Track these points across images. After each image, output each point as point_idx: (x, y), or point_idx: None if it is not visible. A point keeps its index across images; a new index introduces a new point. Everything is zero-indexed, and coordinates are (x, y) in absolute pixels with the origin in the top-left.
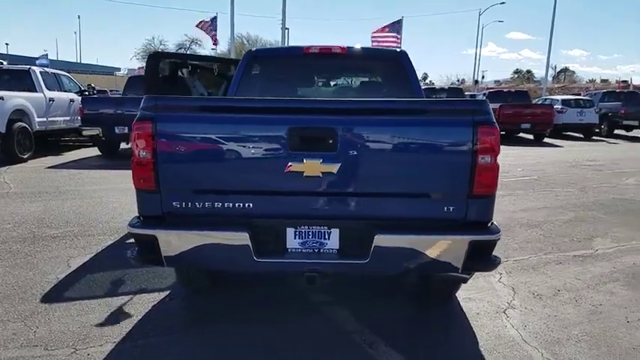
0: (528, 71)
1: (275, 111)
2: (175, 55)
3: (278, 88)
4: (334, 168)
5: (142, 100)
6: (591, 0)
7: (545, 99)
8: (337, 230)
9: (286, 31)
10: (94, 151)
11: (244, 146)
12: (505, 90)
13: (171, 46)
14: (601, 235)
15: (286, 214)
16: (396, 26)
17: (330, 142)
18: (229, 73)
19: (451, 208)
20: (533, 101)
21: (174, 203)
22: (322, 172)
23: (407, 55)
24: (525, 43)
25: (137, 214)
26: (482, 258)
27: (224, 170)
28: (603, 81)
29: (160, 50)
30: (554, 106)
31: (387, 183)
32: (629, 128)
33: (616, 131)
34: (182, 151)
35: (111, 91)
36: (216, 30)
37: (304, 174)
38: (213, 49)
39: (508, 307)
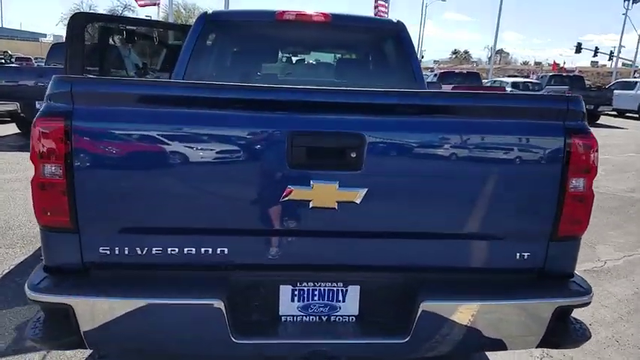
0: (466, 52)
1: (270, 106)
2: (106, 18)
3: (241, 66)
4: (358, 195)
5: (50, 84)
6: None
7: (494, 81)
8: (357, 288)
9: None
10: (11, 129)
11: (219, 160)
12: (456, 71)
13: (101, 12)
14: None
15: (281, 264)
16: None
17: (353, 155)
18: (171, 42)
19: (525, 255)
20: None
21: (101, 249)
22: (339, 202)
23: (406, 27)
24: (462, 24)
25: (43, 265)
26: (566, 329)
27: (184, 196)
28: (537, 64)
29: (92, 12)
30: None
31: (436, 218)
32: None
33: None
34: (116, 166)
35: (36, 59)
36: None
37: (311, 204)
38: (148, 16)
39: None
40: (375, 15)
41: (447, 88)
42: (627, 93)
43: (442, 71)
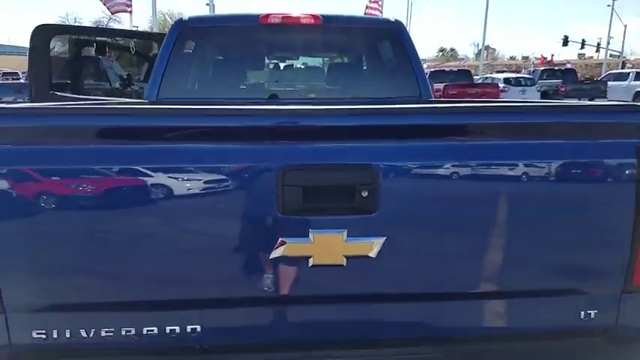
0: (452, 49)
1: (251, 134)
2: (73, 30)
3: (223, 76)
4: (373, 247)
5: None
6: None
7: (486, 77)
8: None
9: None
10: None
11: (185, 208)
12: (447, 69)
13: (87, 23)
14: None
15: (272, 344)
16: None
17: (365, 194)
18: (152, 53)
19: (592, 313)
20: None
21: (35, 332)
22: (348, 257)
23: (405, 27)
24: (447, 20)
25: None
26: None
27: (141, 258)
28: (524, 58)
29: (57, 24)
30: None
31: (477, 272)
32: None
33: None
34: (45, 221)
35: (23, 73)
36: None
37: (312, 261)
38: (135, 26)
39: None
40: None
41: (438, 87)
42: (620, 84)
43: (432, 70)
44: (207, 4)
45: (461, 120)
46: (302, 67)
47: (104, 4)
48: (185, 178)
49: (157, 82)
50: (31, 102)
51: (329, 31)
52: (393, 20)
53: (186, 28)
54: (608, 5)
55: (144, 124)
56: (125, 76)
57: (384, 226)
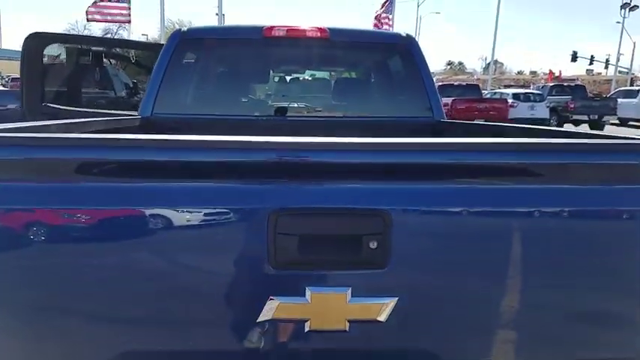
0: (460, 63)
1: (235, 170)
2: (68, 38)
3: (223, 91)
4: (383, 309)
5: None
6: None
7: (495, 92)
8: None
9: (222, 17)
10: None
11: (155, 259)
12: (455, 83)
13: (96, 31)
14: None
15: None
16: (388, 4)
17: (373, 246)
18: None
19: None
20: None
21: None
22: (353, 321)
23: (417, 43)
24: (456, 35)
25: None
26: None
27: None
28: (532, 73)
29: (51, 32)
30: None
31: (508, 340)
32: (577, 123)
33: (565, 126)
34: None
35: None
36: (128, 1)
37: (308, 325)
38: (144, 34)
39: None
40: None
41: (446, 101)
42: (630, 101)
43: (440, 84)
44: (217, 14)
45: (495, 159)
46: (307, 83)
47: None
48: (156, 224)
49: (152, 97)
50: (23, 114)
51: (336, 45)
52: (405, 35)
53: (184, 40)
54: (618, 22)
55: (87, 156)
56: (131, 85)
57: (396, 284)
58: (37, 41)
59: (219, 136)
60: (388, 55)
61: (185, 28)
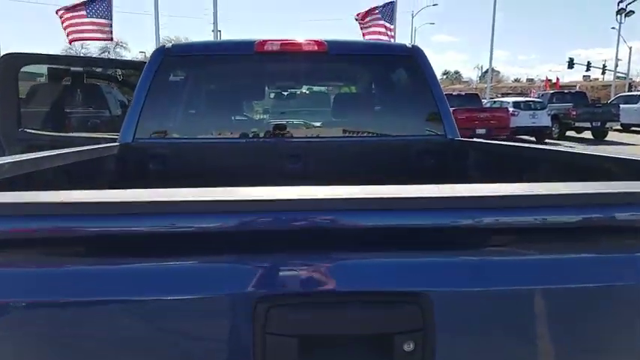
0: (456, 72)
1: (200, 241)
2: (45, 59)
3: (212, 114)
4: None
5: None
6: (508, 2)
7: (495, 101)
8: None
9: (218, 33)
10: None
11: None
12: (454, 93)
13: (94, 50)
14: None
15: None
16: (387, 10)
17: (409, 348)
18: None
19: None
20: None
21: None
22: None
23: (424, 54)
24: (450, 45)
25: None
26: None
27: None
28: (529, 80)
29: (26, 52)
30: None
31: None
32: (579, 130)
33: (567, 133)
34: None
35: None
36: (109, 17)
37: None
38: (142, 52)
39: None
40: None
41: None
42: (631, 107)
43: None
44: (213, 31)
45: (592, 214)
46: (305, 101)
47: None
48: (99, 314)
49: (134, 121)
50: None
51: (336, 59)
52: (411, 46)
53: (169, 57)
54: (613, 28)
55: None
56: (127, 103)
57: None
58: (11, 62)
59: (167, 193)
60: (393, 68)
61: (170, 44)
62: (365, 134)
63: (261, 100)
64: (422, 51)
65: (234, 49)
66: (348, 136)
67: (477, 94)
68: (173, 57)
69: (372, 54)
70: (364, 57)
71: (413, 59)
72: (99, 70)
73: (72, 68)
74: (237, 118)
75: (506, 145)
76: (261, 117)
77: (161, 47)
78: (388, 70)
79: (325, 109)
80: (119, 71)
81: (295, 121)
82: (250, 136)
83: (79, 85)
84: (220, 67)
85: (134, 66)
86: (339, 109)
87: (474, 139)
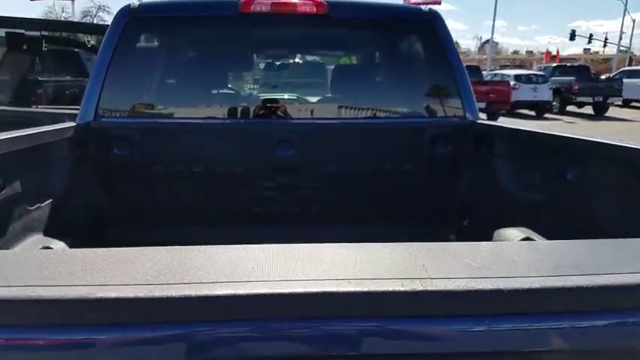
0: (455, 42)
1: None
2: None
3: (186, 87)
4: None
5: None
6: None
7: (495, 74)
8: None
9: None
10: None
11: None
12: None
13: (77, 14)
14: None
15: None
16: None
17: None
18: None
19: None
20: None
21: None
22: None
23: (442, 18)
24: (448, 14)
25: None
26: None
27: None
28: (528, 52)
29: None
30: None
31: None
32: (580, 105)
33: (567, 108)
34: None
35: None
36: None
37: None
38: None
39: None
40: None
41: None
42: (635, 82)
43: None
44: None
45: None
46: (298, 72)
47: None
48: None
49: (94, 97)
50: None
51: (338, 23)
52: (427, 10)
53: (136, 19)
54: None
55: None
56: None
57: None
58: None
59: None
60: (406, 36)
61: (137, 3)
62: (369, 116)
63: (248, 73)
64: (440, 16)
65: (215, 9)
66: (349, 119)
67: (477, 67)
68: (140, 19)
69: (382, 18)
70: (372, 21)
71: (430, 25)
72: (63, 34)
73: (28, 33)
74: (219, 94)
75: (541, 133)
76: (249, 93)
77: (125, 7)
78: (400, 37)
79: (323, 84)
80: (89, 37)
81: (288, 98)
82: (236, 116)
83: (53, 53)
84: (197, 32)
85: (101, 30)
86: (339, 85)
87: (501, 124)
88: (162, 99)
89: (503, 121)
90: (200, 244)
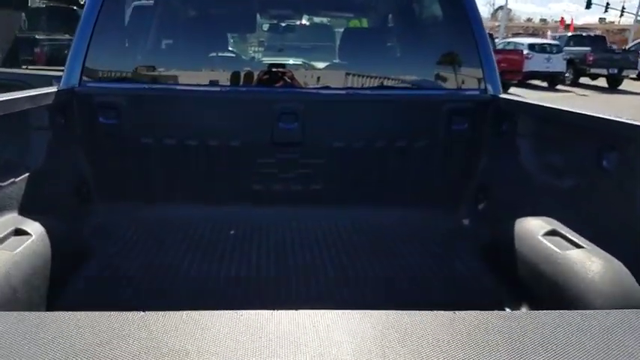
0: None
1: None
2: None
3: (182, 53)
4: None
5: None
6: None
7: (508, 42)
8: None
9: None
10: None
11: None
12: None
13: None
14: None
15: None
16: None
17: None
18: None
19: None
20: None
21: None
22: None
23: None
24: None
25: None
26: None
27: None
28: (542, 20)
29: None
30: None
31: None
32: (594, 76)
33: (580, 80)
34: None
35: None
36: None
37: None
38: None
39: None
40: None
41: None
42: None
43: None
44: None
45: None
46: (306, 35)
47: None
48: None
49: (79, 60)
50: None
51: None
52: None
53: None
54: None
55: None
56: None
57: None
58: None
59: None
60: None
61: None
62: (380, 86)
63: (250, 35)
64: None
65: None
66: (359, 90)
67: (490, 34)
68: None
69: None
70: None
71: None
72: None
73: None
74: (217, 57)
75: (574, 112)
76: (250, 57)
77: None
78: None
79: (331, 49)
80: None
81: (293, 63)
82: (236, 83)
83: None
84: None
85: None
86: (349, 51)
87: (526, 99)
88: (155, 62)
89: (515, 93)
90: (195, 223)
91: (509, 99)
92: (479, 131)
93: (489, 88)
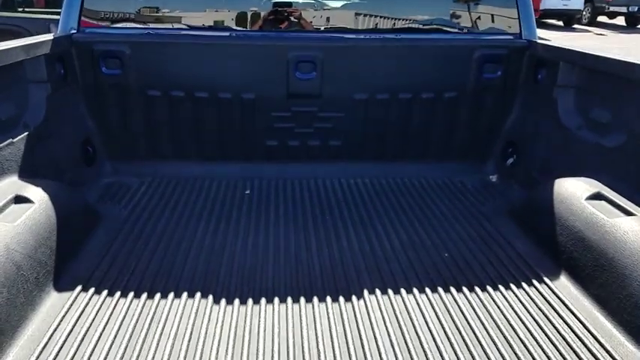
0: None
1: None
2: None
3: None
4: None
5: None
6: None
7: None
8: None
9: None
10: None
11: None
12: None
13: None
14: None
15: None
16: None
17: None
18: None
19: None
20: None
21: None
22: None
23: None
24: None
25: None
26: None
27: None
28: None
29: None
30: None
31: None
32: (612, 15)
33: (598, 19)
34: None
35: None
36: None
37: None
38: None
39: None
40: None
41: None
42: None
43: None
44: None
45: None
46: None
47: None
48: None
49: (76, 3)
50: None
51: None
52: None
53: None
54: None
55: None
56: None
57: None
58: None
59: None
60: None
61: None
62: (405, 28)
63: None
64: None
65: None
66: (382, 34)
67: None
68: None
69: None
70: None
71: None
72: None
73: None
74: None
75: (624, 61)
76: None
77: None
78: None
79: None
80: None
81: (303, 2)
82: (245, 25)
83: None
84: None
85: None
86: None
87: (568, 45)
88: (156, 1)
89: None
90: (208, 183)
91: (548, 44)
92: (513, 79)
93: (525, 32)
